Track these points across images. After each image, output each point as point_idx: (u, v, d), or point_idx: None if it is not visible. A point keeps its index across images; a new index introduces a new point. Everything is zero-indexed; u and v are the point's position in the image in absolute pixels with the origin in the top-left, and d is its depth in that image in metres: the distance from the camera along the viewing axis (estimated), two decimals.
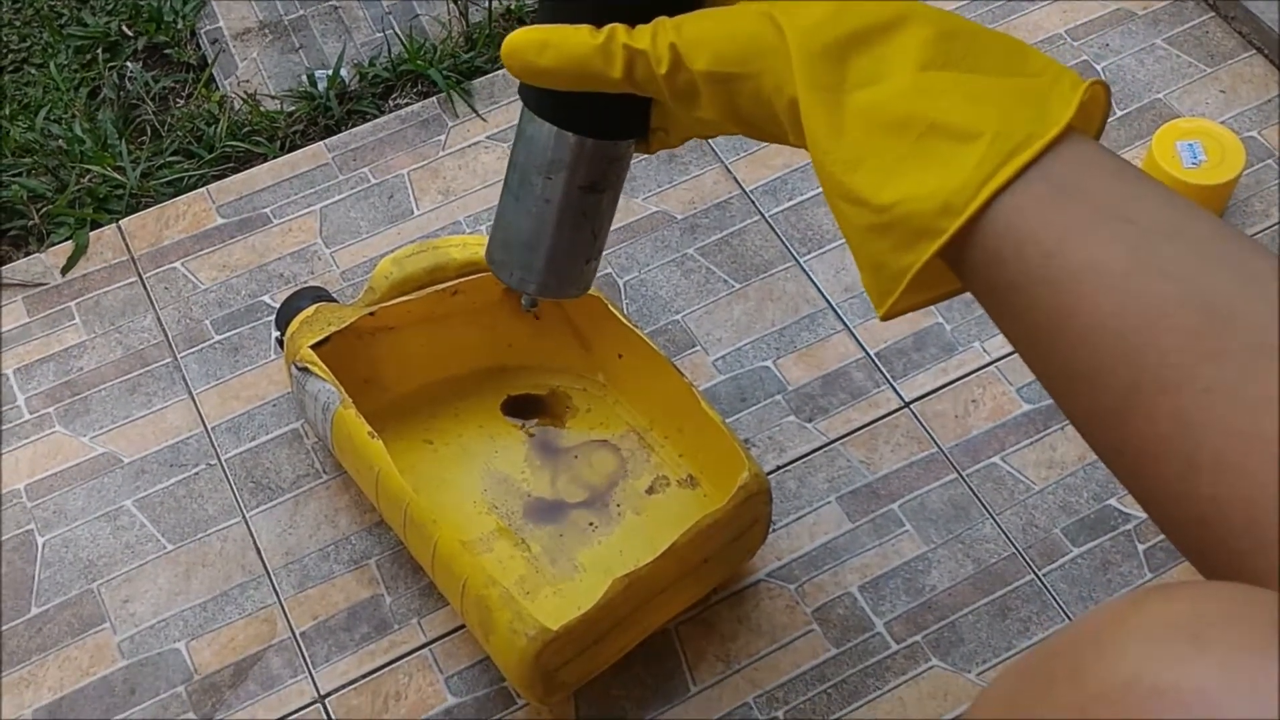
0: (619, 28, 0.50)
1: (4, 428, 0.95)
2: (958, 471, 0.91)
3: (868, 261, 0.46)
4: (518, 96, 0.58)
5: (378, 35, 1.17)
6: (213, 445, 0.94)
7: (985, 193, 0.42)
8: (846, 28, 0.45)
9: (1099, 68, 1.10)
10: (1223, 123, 1.05)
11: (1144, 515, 0.66)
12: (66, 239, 1.04)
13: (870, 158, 0.45)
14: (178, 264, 1.03)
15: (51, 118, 1.12)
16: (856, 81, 0.45)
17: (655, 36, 0.49)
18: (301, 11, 1.19)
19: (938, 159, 0.43)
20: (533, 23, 0.53)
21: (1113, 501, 0.89)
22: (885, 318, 0.47)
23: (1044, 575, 0.87)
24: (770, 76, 0.47)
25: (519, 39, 0.52)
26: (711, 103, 0.49)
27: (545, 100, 0.56)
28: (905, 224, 0.44)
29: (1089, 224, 0.41)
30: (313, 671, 0.85)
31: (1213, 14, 1.13)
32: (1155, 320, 0.39)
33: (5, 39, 1.19)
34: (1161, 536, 0.84)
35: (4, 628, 0.87)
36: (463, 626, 0.85)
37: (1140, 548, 0.87)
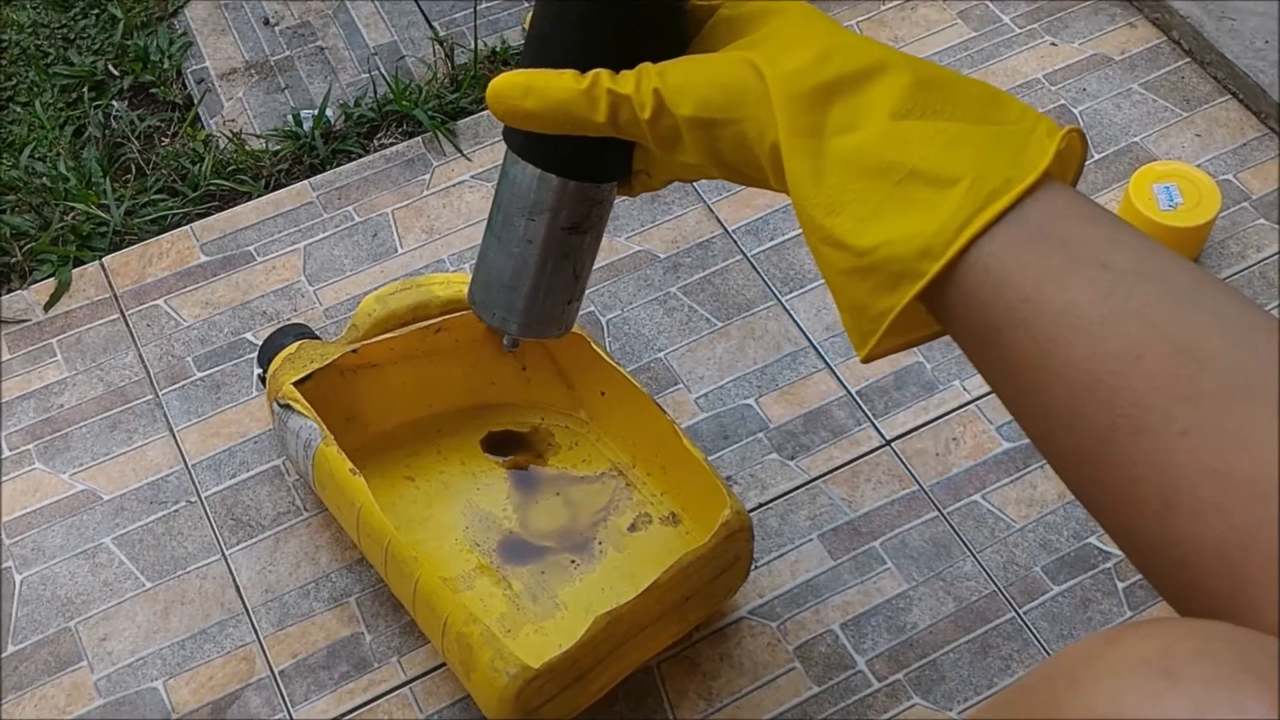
0: (603, 73, 0.51)
1: None
2: (938, 509, 0.91)
3: (848, 304, 0.47)
4: (502, 137, 0.58)
5: (363, 76, 1.17)
6: (193, 482, 0.94)
7: (964, 237, 0.43)
8: (827, 75, 0.46)
9: (1076, 112, 1.12)
10: (1198, 166, 1.07)
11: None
12: (49, 276, 1.04)
13: (850, 202, 0.45)
14: (160, 301, 1.03)
15: (36, 155, 1.12)
16: (837, 127, 0.46)
17: (639, 82, 0.50)
18: (288, 52, 1.20)
19: (917, 204, 0.44)
20: (517, 66, 0.53)
21: (1093, 539, 0.90)
22: (866, 360, 0.47)
23: (1024, 613, 0.87)
24: (753, 123, 0.48)
25: (504, 83, 0.52)
26: (694, 147, 0.50)
27: (529, 143, 0.56)
28: (885, 267, 0.44)
29: (1066, 268, 0.42)
30: (291, 710, 0.84)
31: (1188, 59, 1.15)
32: (1131, 363, 0.40)
33: None
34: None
35: None
36: (443, 665, 0.85)
37: (1120, 586, 0.88)
